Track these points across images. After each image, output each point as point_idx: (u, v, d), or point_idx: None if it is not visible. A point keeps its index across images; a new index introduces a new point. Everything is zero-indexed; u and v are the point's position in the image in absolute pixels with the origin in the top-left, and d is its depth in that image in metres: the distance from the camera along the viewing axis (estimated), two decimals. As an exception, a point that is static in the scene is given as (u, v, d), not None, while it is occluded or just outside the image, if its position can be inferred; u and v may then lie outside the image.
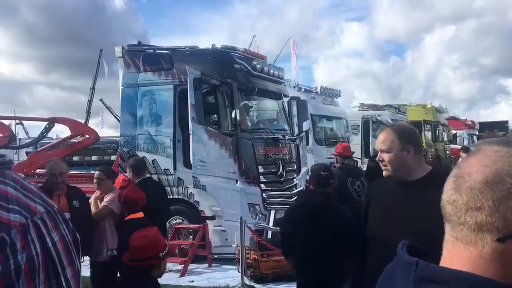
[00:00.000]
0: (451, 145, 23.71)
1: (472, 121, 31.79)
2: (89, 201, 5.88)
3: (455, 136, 26.60)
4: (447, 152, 21.80)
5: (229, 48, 9.04)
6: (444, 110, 25.40)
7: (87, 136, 10.89)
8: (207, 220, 8.35)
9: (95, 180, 5.71)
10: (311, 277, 3.53)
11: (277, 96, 9.91)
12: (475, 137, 29.32)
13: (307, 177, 10.18)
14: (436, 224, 2.17)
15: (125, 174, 7.78)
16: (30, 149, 13.61)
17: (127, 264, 3.02)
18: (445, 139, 23.35)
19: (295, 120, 10.65)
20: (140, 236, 3.09)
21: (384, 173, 2.59)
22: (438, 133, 22.11)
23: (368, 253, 2.60)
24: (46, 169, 5.08)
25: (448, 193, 0.86)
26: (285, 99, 10.31)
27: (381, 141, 2.59)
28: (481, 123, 34.18)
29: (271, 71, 9.49)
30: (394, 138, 2.53)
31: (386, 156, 2.54)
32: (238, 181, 8.34)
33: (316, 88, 15.05)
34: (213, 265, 8.16)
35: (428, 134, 21.49)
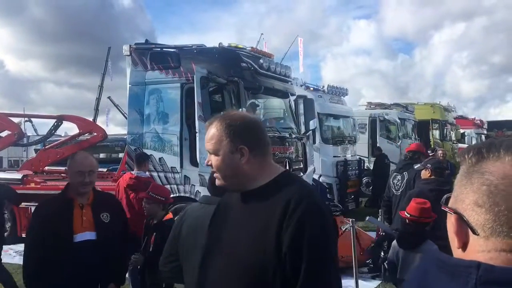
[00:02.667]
0: (459, 144, 23.59)
1: (481, 120, 31.58)
2: None
3: (463, 135, 26.49)
4: (455, 151, 21.69)
5: (236, 46, 9.05)
6: (452, 109, 25.25)
7: (95, 133, 11.00)
8: (213, 218, 8.36)
9: None
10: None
11: (284, 94, 9.91)
12: (483, 136, 29.15)
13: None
14: (254, 247, 1.74)
15: (131, 172, 7.84)
16: (38, 147, 13.74)
17: (409, 219, 4.24)
18: (453, 138, 23.25)
19: (302, 118, 10.64)
20: (421, 201, 4.36)
21: (216, 181, 1.99)
22: (446, 132, 22.01)
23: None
24: (69, 165, 3.52)
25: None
26: (292, 98, 10.30)
27: (208, 138, 1.93)
28: (489, 122, 33.95)
29: (278, 69, 9.49)
30: (222, 135, 1.87)
31: (213, 160, 1.90)
32: (245, 180, 8.35)
33: (323, 86, 15.01)
34: (219, 263, 8.18)
35: (436, 133, 21.43)
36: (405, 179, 7.10)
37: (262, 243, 1.72)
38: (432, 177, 5.33)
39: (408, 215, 4.27)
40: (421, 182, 5.70)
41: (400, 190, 7.06)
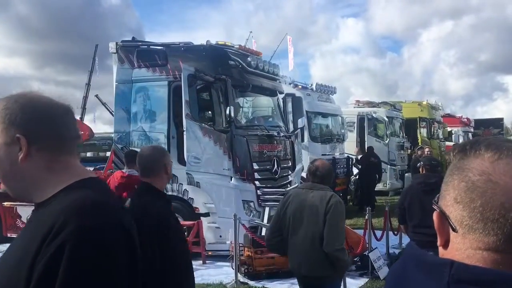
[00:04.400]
0: (446, 142, 23.83)
1: (468, 119, 31.89)
2: None
3: (450, 133, 26.71)
4: (442, 149, 21.88)
5: (223, 44, 9.02)
6: (440, 107, 25.47)
7: (81, 132, 10.90)
8: (201, 217, 8.34)
9: None
10: (427, 238, 4.59)
11: (272, 92, 9.90)
12: (470, 135, 29.45)
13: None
14: (6, 279, 1.23)
15: (122, 170, 7.77)
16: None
17: None
18: (441, 136, 23.46)
19: (290, 117, 10.65)
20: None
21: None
22: (434, 130, 22.19)
23: None
24: (167, 158, 3.05)
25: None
26: (280, 96, 10.30)
27: None
28: (476, 120, 34.32)
29: (266, 67, 9.47)
30: None
31: None
32: (233, 178, 8.33)
33: (312, 84, 15.02)
34: (207, 262, 8.15)
35: (424, 131, 21.59)
36: None
37: (15, 278, 1.21)
38: (423, 172, 5.64)
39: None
40: (413, 177, 6.09)
41: None
